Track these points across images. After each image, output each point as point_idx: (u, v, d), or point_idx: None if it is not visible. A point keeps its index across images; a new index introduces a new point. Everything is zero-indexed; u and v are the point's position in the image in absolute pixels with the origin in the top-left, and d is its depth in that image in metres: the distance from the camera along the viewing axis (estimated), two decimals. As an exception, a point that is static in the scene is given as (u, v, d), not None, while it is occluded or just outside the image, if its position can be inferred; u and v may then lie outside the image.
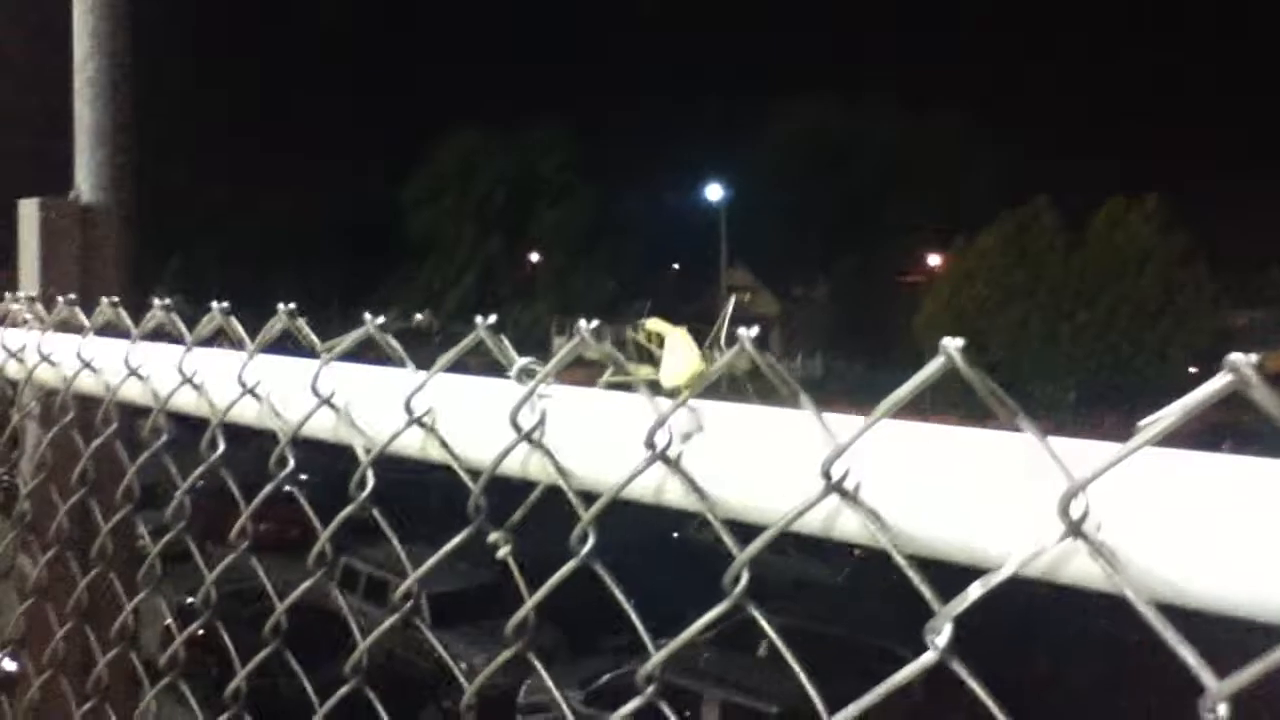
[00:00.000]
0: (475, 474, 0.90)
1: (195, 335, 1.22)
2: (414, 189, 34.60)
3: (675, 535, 15.95)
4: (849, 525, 0.68)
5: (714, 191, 33.52)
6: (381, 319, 0.97)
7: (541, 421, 0.83)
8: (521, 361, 0.87)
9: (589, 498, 0.82)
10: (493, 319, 0.87)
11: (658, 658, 0.79)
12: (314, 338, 1.07)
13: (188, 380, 1.23)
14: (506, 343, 0.88)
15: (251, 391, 1.14)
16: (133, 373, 1.32)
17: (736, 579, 0.73)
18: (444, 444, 0.92)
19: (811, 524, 0.69)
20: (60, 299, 1.49)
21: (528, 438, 0.83)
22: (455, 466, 0.90)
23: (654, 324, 0.97)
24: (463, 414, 0.92)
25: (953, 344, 0.60)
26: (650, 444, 0.76)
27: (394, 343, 0.97)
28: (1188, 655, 0.52)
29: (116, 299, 1.38)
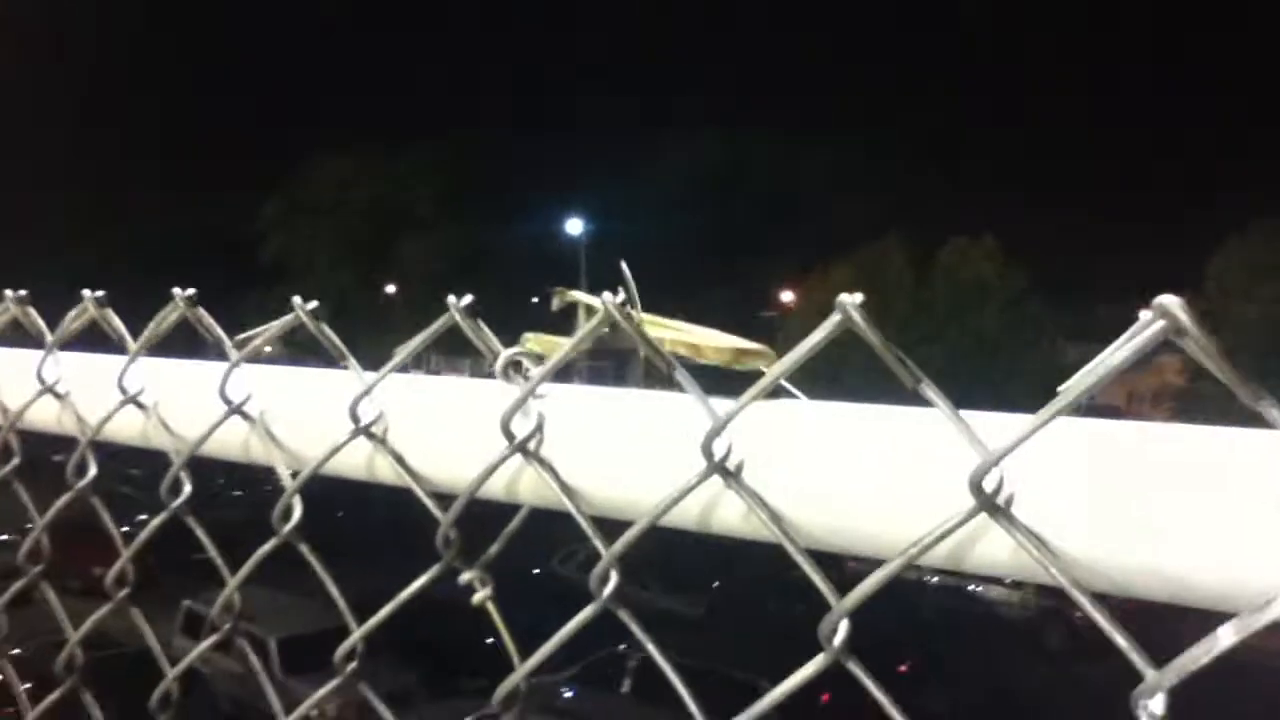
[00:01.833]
0: (443, 498, 0.73)
1: (60, 333, 0.98)
2: (269, 213, 33.50)
3: (536, 572, 15.70)
4: (730, 514, 0.60)
5: (574, 225, 33.59)
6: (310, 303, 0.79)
7: (539, 428, 0.67)
8: (508, 352, 0.70)
9: (600, 522, 0.67)
10: (468, 299, 0.72)
11: (521, 670, 0.71)
12: (219, 331, 0.85)
13: (49, 389, 0.99)
14: (485, 328, 0.72)
15: (135, 400, 0.91)
16: None
17: (604, 579, 0.64)
18: (399, 461, 0.73)
19: (688, 515, 0.62)
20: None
21: (522, 449, 0.67)
22: (415, 489, 0.73)
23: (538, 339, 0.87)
24: (427, 423, 0.74)
25: (851, 300, 0.53)
26: (508, 434, 0.67)
27: (330, 333, 0.78)
28: (1121, 640, 0.45)
29: None
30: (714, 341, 0.76)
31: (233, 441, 0.83)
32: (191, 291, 0.85)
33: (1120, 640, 0.46)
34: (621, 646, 11.35)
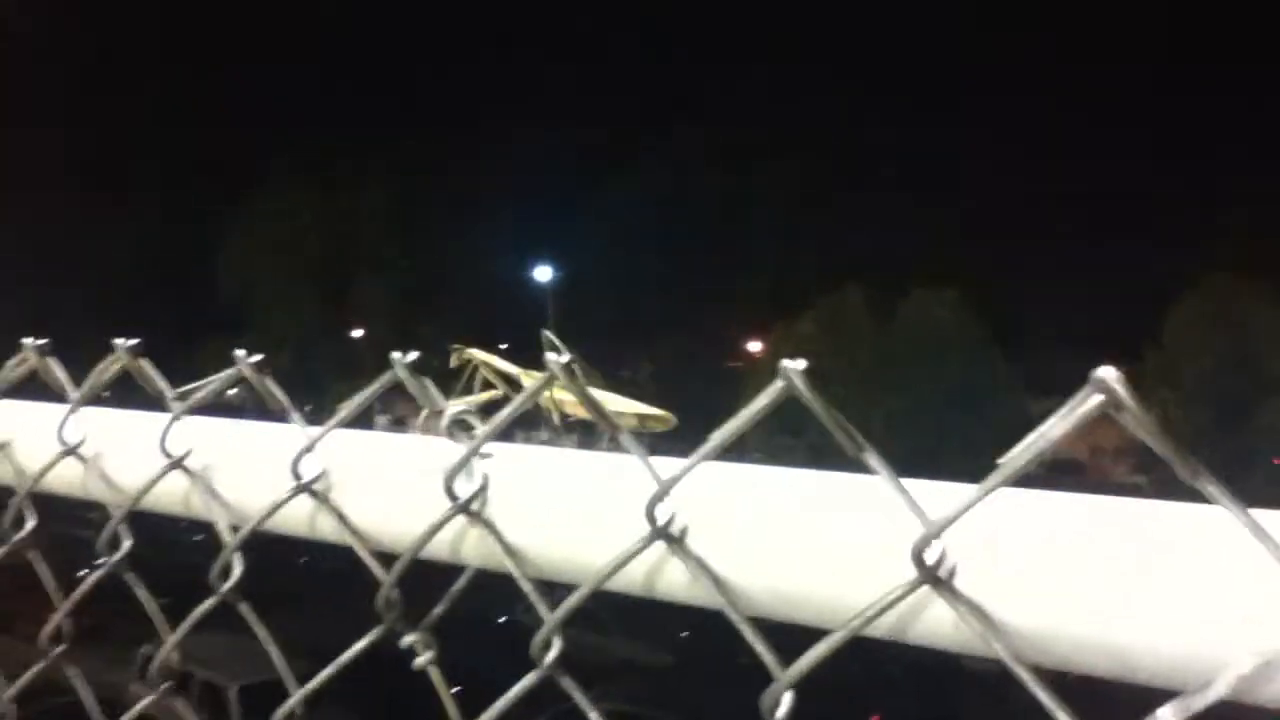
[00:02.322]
0: (385, 558, 0.71)
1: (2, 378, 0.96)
2: (228, 253, 33.17)
3: (502, 620, 15.50)
4: (675, 580, 0.59)
5: (542, 273, 33.67)
6: (253, 357, 0.78)
7: (483, 488, 0.66)
8: (454, 408, 0.70)
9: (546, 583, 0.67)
10: (413, 355, 0.72)
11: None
12: (162, 384, 0.84)
13: None
14: (430, 384, 0.72)
15: (74, 452, 0.88)
16: None
17: (546, 645, 0.63)
18: (342, 519, 0.72)
19: (633, 580, 0.61)
20: None
21: (465, 509, 0.66)
22: (357, 548, 0.72)
23: (471, 351, 0.88)
24: (371, 480, 0.73)
25: (793, 366, 0.53)
26: (452, 494, 0.66)
27: (274, 387, 0.77)
28: (1062, 717, 0.45)
29: None
30: (618, 407, 0.78)
31: (173, 495, 0.81)
32: (135, 342, 0.83)
33: (1061, 716, 0.45)
34: (584, 699, 11.18)
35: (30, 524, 0.94)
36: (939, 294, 25.20)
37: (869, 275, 26.79)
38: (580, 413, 0.78)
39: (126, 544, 0.85)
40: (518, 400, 0.67)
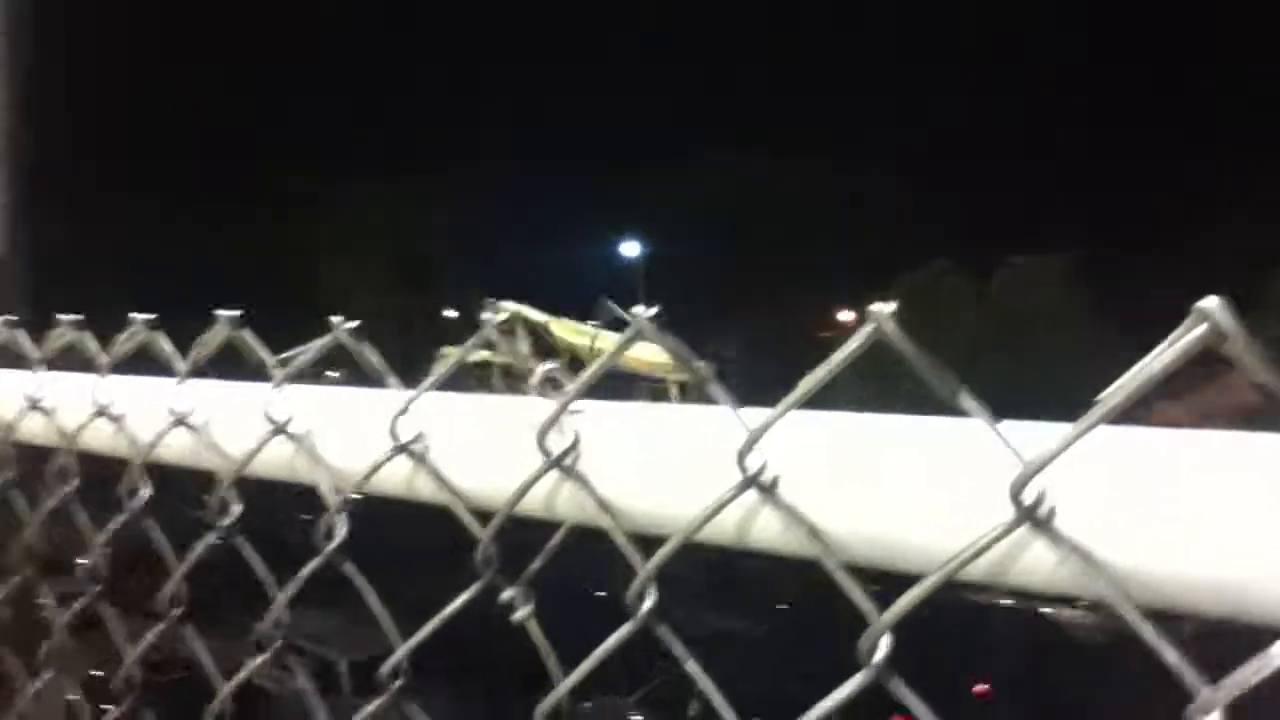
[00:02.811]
0: (482, 515, 0.72)
1: (113, 355, 1.01)
2: (323, 243, 34.03)
3: (602, 594, 15.63)
4: (767, 529, 0.59)
5: (630, 248, 33.70)
6: (350, 323, 0.79)
7: (575, 445, 0.67)
8: (545, 368, 0.72)
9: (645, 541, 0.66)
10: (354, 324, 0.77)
11: (560, 689, 0.70)
12: (264, 352, 0.86)
13: (103, 412, 1.00)
14: (523, 338, 0.76)
15: (183, 421, 0.92)
16: (33, 405, 1.09)
17: (641, 596, 0.64)
18: (439, 478, 0.74)
19: (725, 531, 0.61)
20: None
21: (558, 465, 0.66)
22: (455, 506, 0.72)
23: (511, 306, 0.89)
24: (465, 439, 0.74)
25: (883, 310, 0.52)
26: (545, 450, 0.67)
27: (369, 352, 0.79)
28: (1170, 657, 0.44)
29: (15, 318, 1.18)
30: (650, 356, 0.79)
31: (278, 461, 0.84)
32: (237, 313, 0.86)
33: (1169, 656, 0.44)
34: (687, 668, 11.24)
35: (145, 493, 0.97)
36: (1041, 262, 24.56)
37: (965, 245, 26.21)
38: (645, 369, 0.80)
39: (236, 509, 0.88)
40: (606, 356, 0.68)
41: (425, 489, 0.75)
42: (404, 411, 0.74)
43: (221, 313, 0.88)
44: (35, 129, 1.90)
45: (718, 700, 0.63)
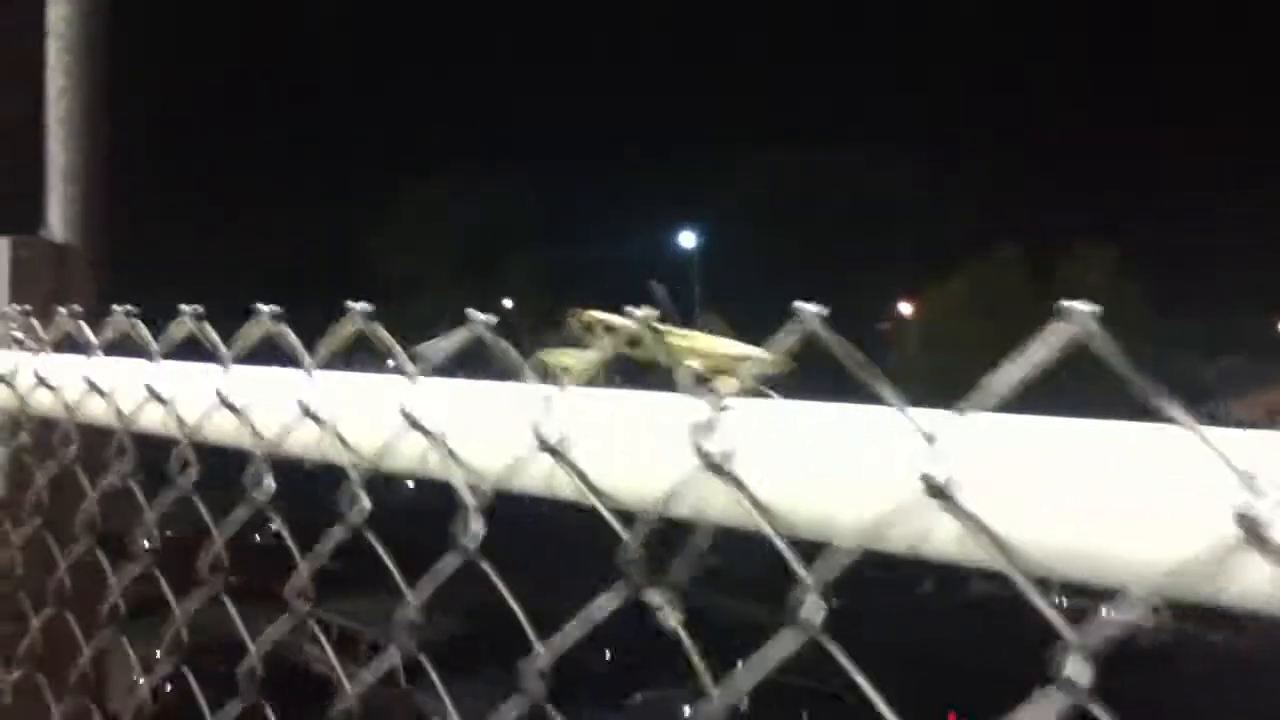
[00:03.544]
0: (625, 516, 0.70)
1: (164, 342, 1.07)
2: (381, 238, 34.42)
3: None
4: (944, 538, 0.57)
5: (686, 239, 33.67)
6: (486, 317, 0.78)
7: (732, 445, 0.64)
8: (695, 365, 0.72)
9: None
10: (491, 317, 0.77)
11: (549, 651, 0.73)
12: (390, 340, 0.86)
13: (155, 396, 1.07)
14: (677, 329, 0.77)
15: (313, 414, 0.91)
16: (93, 388, 1.17)
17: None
18: (581, 477, 0.71)
19: (896, 539, 0.59)
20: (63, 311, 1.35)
21: (713, 465, 0.64)
22: (598, 505, 0.70)
23: (594, 313, 0.89)
24: (608, 437, 0.72)
25: (1082, 308, 0.50)
26: (699, 451, 0.66)
27: (512, 350, 0.77)
28: (1047, 610, 0.50)
29: (79, 308, 1.24)
30: (719, 348, 0.81)
31: (411, 456, 0.83)
32: (366, 306, 0.86)
33: (1046, 610, 0.50)
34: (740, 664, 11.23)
35: (269, 485, 0.98)
36: (1099, 251, 24.13)
37: (1023, 234, 25.82)
38: (711, 363, 0.80)
39: (366, 505, 0.87)
40: (758, 353, 0.67)
41: (565, 488, 0.73)
42: (548, 409, 0.73)
43: (353, 304, 0.88)
44: (111, 118, 1.92)
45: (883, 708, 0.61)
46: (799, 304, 0.60)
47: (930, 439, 0.56)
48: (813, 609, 0.61)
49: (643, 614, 0.71)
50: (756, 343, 0.81)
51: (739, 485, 0.65)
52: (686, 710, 11.04)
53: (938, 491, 0.56)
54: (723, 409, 0.66)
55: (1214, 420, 0.49)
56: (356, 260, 34.45)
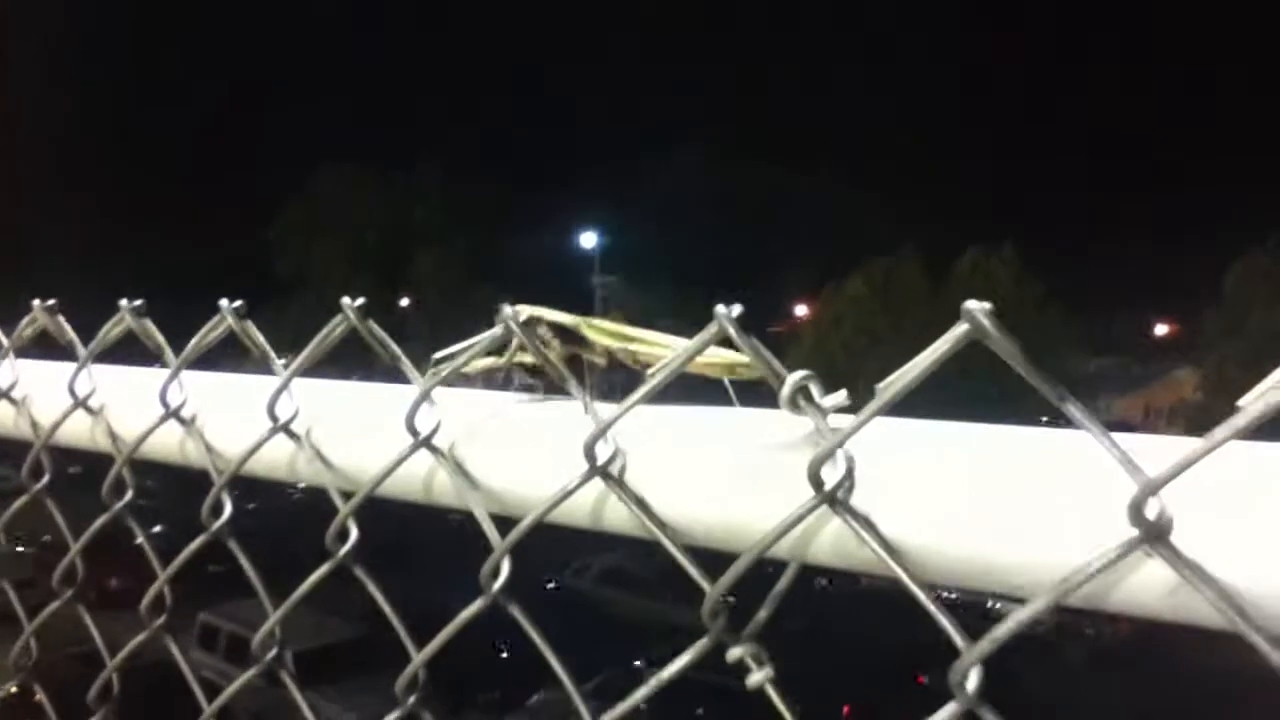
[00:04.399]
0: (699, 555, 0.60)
1: (15, 337, 0.99)
2: (282, 227, 33.55)
3: (551, 585, 15.59)
4: (828, 545, 0.55)
5: (588, 239, 33.66)
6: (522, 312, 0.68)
7: (849, 473, 0.53)
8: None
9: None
10: (360, 301, 0.72)
11: (418, 659, 0.71)
12: (263, 343, 0.79)
13: (82, 404, 0.94)
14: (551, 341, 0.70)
15: (176, 415, 0.83)
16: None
17: (495, 572, 0.64)
18: (643, 507, 0.61)
19: (579, 515, 0.63)
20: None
21: (830, 500, 0.53)
22: (664, 541, 0.60)
23: (526, 308, 0.79)
24: (674, 461, 0.61)
25: (979, 307, 0.48)
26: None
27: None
28: (944, 621, 0.49)
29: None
30: (706, 356, 0.71)
31: (278, 460, 0.78)
32: (239, 304, 0.80)
33: (944, 623, 0.49)
34: (637, 663, 11.26)
35: (129, 493, 0.91)
36: (995, 252, 24.80)
37: (922, 238, 26.40)
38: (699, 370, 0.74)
39: (228, 510, 0.82)
40: (684, 354, 0.61)
41: (619, 519, 0.63)
42: (602, 435, 0.61)
43: (224, 303, 0.81)
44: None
45: None
46: (719, 307, 0.56)
47: (821, 443, 0.53)
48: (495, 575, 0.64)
49: (533, 610, 0.67)
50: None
51: (863, 522, 0.54)
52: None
53: (830, 498, 0.53)
54: (611, 421, 0.61)
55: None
56: (257, 256, 33.56)
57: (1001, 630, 0.47)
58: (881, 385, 0.51)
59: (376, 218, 32.86)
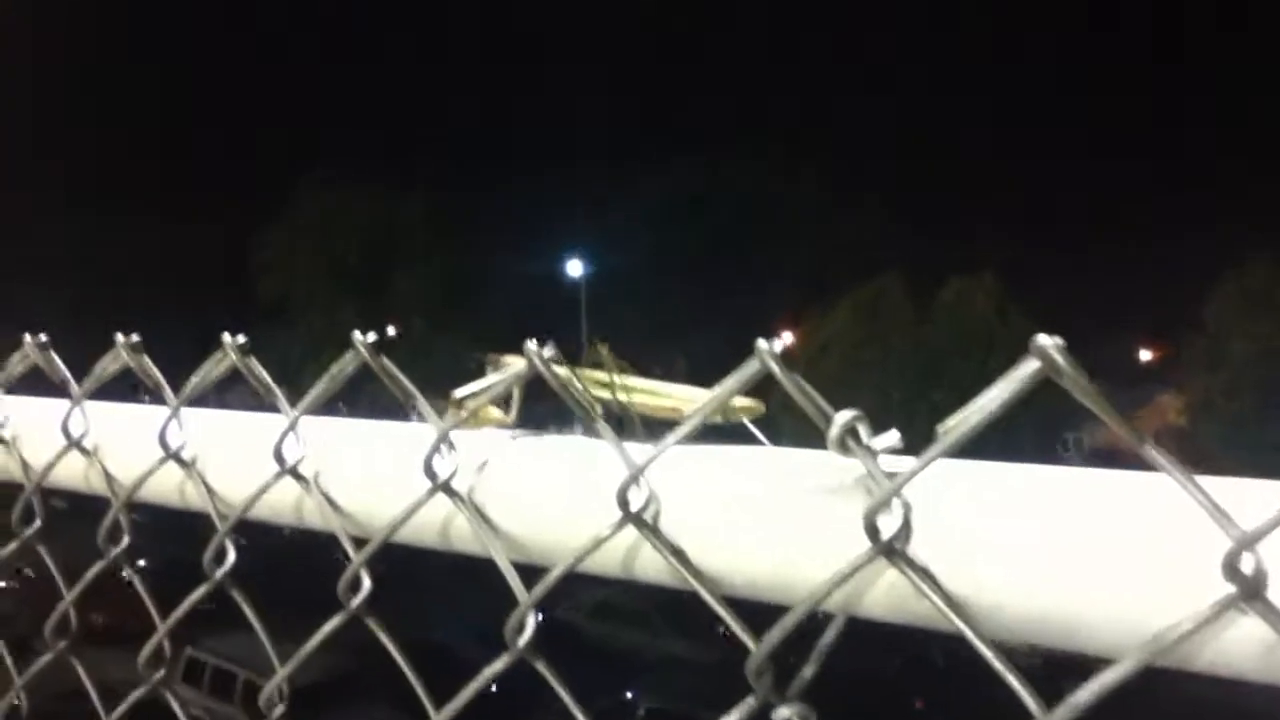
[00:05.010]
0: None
1: (4, 376, 0.95)
2: (266, 248, 33.27)
3: (539, 618, 15.35)
4: (649, 565, 0.58)
5: (574, 267, 33.67)
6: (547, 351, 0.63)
7: (906, 524, 0.49)
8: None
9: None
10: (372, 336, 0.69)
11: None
12: (267, 380, 0.76)
13: (75, 444, 0.90)
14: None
15: (176, 457, 0.80)
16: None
17: (520, 628, 0.61)
18: (679, 557, 0.57)
19: (609, 565, 0.59)
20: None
21: (888, 552, 0.49)
22: (704, 594, 0.56)
23: (508, 359, 0.73)
24: (710, 507, 0.57)
25: (766, 346, 0.51)
26: (431, 474, 0.64)
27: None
28: (1011, 679, 0.45)
29: None
30: (698, 400, 0.72)
31: (284, 505, 0.74)
32: (243, 340, 0.76)
33: (1014, 684, 0.45)
34: (628, 694, 11.15)
35: (126, 538, 0.87)
36: (979, 281, 24.86)
37: (905, 264, 26.45)
38: (654, 411, 0.72)
39: (232, 557, 0.78)
40: (496, 388, 0.65)
41: (651, 568, 0.59)
42: (634, 480, 0.57)
43: (226, 338, 0.77)
44: None
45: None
46: (760, 342, 0.53)
47: (877, 490, 0.50)
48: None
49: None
50: (647, 371, 0.76)
51: (923, 576, 0.50)
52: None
53: (888, 549, 0.50)
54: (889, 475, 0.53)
55: (1079, 445, 0.46)
56: (239, 273, 33.32)
57: (1083, 695, 0.44)
58: (943, 428, 0.48)
59: (358, 237, 32.66)
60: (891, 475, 0.50)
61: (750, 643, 0.54)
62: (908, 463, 0.51)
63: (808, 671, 0.56)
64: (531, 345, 0.62)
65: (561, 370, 0.68)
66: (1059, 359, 0.44)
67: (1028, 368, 0.45)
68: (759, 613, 0.56)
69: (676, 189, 34.42)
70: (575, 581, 0.62)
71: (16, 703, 1.01)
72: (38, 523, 0.93)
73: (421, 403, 0.68)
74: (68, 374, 0.89)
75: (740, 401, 0.74)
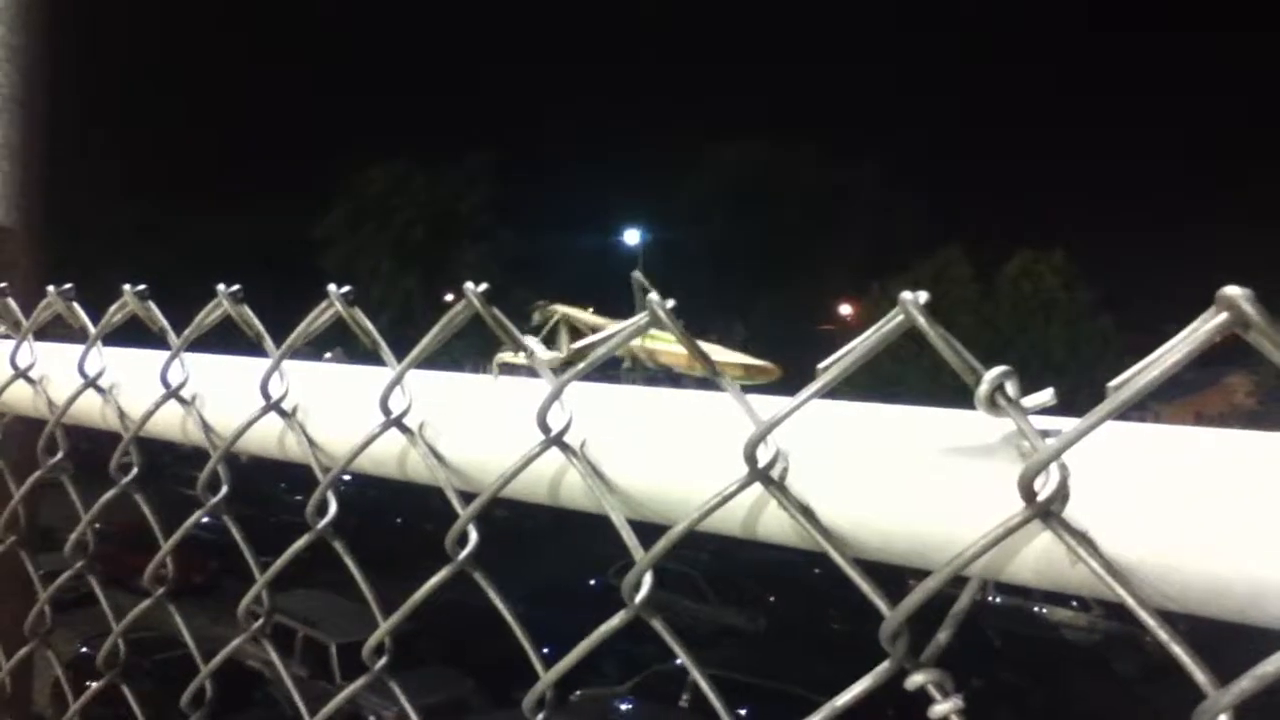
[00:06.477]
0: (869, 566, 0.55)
1: (103, 325, 0.95)
2: (331, 222, 33.83)
3: (592, 583, 15.55)
4: (773, 523, 0.56)
5: (631, 236, 33.68)
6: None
7: (1064, 482, 0.46)
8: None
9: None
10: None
11: (547, 678, 0.66)
12: (258, 325, 0.82)
13: (91, 383, 0.96)
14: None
15: (176, 395, 0.86)
16: (20, 374, 1.05)
17: (637, 586, 0.60)
18: (807, 515, 0.55)
19: (730, 523, 0.57)
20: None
21: (1043, 513, 0.46)
22: (833, 554, 0.54)
23: (559, 307, 0.80)
24: (846, 462, 0.55)
25: (914, 298, 0.49)
26: (544, 426, 0.63)
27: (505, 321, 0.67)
28: (1184, 657, 0.42)
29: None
30: (720, 358, 0.73)
31: (388, 457, 0.73)
32: (236, 288, 0.81)
33: (1183, 656, 0.42)
34: (678, 661, 11.23)
35: (135, 469, 0.94)
36: (1046, 255, 24.46)
37: (970, 237, 26.08)
38: (676, 362, 0.75)
39: (224, 487, 0.85)
40: (617, 338, 0.62)
41: (776, 528, 0.57)
42: (763, 439, 0.54)
43: (221, 287, 0.82)
44: (51, 94, 1.81)
45: (708, 689, 0.60)
46: (904, 294, 0.50)
47: (1030, 450, 0.48)
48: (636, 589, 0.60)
49: (574, 610, 0.63)
50: (705, 336, 0.76)
51: (1081, 540, 0.47)
52: (624, 707, 10.99)
53: (1044, 511, 0.47)
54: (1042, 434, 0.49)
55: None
56: (303, 248, 33.85)
57: (1269, 667, 0.41)
58: (1113, 384, 0.46)
59: (421, 210, 33.03)
60: (1045, 434, 0.47)
61: (884, 609, 0.52)
62: (1054, 422, 0.49)
63: (942, 636, 0.54)
64: (654, 297, 0.60)
65: (596, 319, 0.71)
66: (1250, 310, 0.40)
67: (1213, 320, 0.41)
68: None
69: (738, 162, 34.16)
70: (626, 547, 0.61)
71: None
72: (135, 470, 0.94)
73: (537, 357, 0.66)
74: (166, 324, 0.90)
75: (754, 362, 0.74)
